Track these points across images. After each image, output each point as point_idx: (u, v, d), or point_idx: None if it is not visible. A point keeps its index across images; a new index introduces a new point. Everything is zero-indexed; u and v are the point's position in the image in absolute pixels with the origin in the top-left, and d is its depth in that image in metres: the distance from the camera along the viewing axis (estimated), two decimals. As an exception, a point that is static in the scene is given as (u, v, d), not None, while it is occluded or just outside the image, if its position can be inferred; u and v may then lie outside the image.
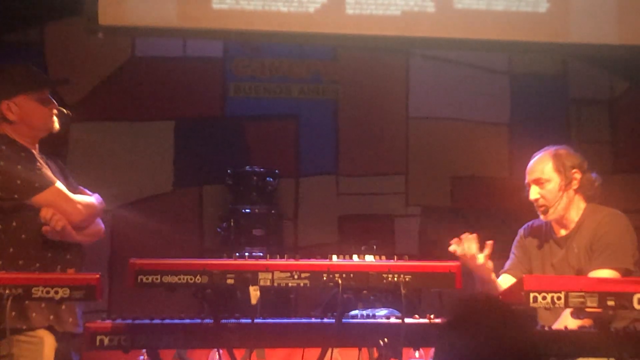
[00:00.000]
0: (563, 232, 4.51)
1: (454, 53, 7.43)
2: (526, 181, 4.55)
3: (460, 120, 7.65)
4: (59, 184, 4.19)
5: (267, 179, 6.98)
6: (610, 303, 3.40)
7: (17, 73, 4.32)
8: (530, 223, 4.68)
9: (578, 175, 4.46)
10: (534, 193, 4.48)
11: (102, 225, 4.45)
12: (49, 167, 4.29)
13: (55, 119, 4.34)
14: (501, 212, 6.93)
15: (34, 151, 4.28)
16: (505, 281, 4.51)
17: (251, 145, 7.47)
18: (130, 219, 6.85)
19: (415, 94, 7.66)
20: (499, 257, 4.80)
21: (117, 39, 6.91)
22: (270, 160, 7.23)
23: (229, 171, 7.01)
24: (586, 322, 3.78)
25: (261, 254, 5.72)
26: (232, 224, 6.81)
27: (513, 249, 4.67)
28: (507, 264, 4.64)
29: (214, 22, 5.85)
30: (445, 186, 7.67)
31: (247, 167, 7.02)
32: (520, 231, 4.69)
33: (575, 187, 4.46)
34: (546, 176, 4.46)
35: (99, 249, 5.63)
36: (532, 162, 4.56)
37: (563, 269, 4.40)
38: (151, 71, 7.32)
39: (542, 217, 4.51)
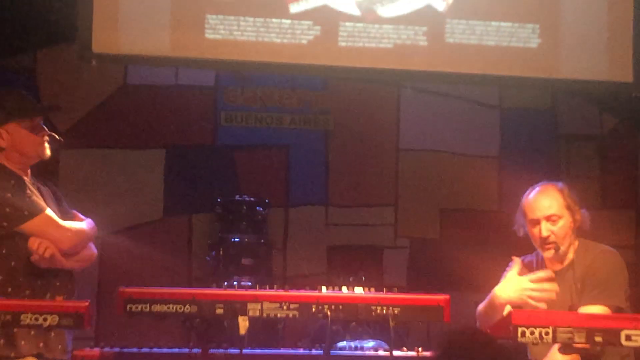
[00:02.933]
0: (556, 268, 4.49)
1: (445, 86, 7.46)
2: (531, 218, 4.49)
3: (450, 153, 7.67)
4: (49, 211, 4.18)
5: (257, 208, 6.98)
6: (598, 339, 3.41)
7: (8, 100, 4.32)
8: (520, 258, 4.66)
9: (580, 215, 4.47)
10: (545, 230, 4.43)
11: (95, 250, 4.45)
12: (41, 192, 4.29)
13: (46, 145, 4.34)
14: (490, 246, 6.93)
15: (25, 177, 4.28)
16: None
17: (241, 174, 7.47)
18: (119, 247, 6.84)
19: (405, 126, 7.68)
20: (488, 291, 4.81)
21: (109, 67, 6.91)
22: (260, 190, 7.23)
23: (218, 200, 7.01)
24: (574, 357, 3.79)
25: (250, 284, 5.73)
26: (221, 252, 6.80)
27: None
28: None
29: (206, 52, 5.86)
30: (434, 218, 7.68)
31: (237, 196, 7.02)
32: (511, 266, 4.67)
33: (578, 224, 4.47)
34: (559, 213, 4.43)
35: (87, 276, 5.62)
36: (537, 197, 4.52)
37: (554, 305, 4.39)
38: (143, 99, 7.33)
39: (546, 253, 4.46)
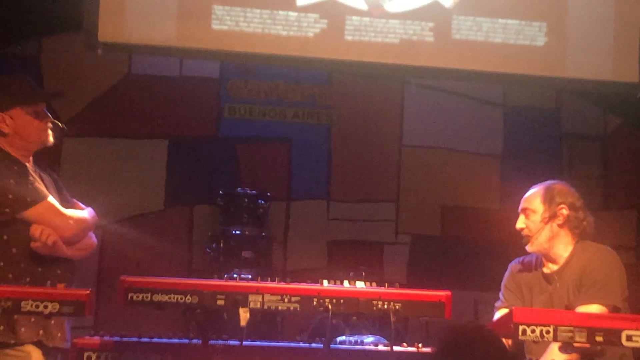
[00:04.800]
0: (552, 268, 4.51)
1: (449, 83, 7.45)
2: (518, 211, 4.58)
3: (453, 150, 7.66)
4: (51, 199, 4.18)
5: (258, 201, 6.98)
6: (599, 339, 3.40)
7: (13, 85, 4.31)
8: (520, 259, 4.67)
9: (564, 212, 4.46)
10: (519, 222, 4.51)
11: (95, 239, 4.44)
12: (43, 180, 4.28)
13: (49, 132, 4.33)
14: (491, 244, 6.93)
15: (27, 164, 4.27)
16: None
17: (243, 167, 7.47)
18: (120, 236, 6.84)
19: (409, 122, 7.68)
20: (488, 289, 4.81)
21: (114, 56, 6.91)
22: (262, 183, 7.23)
23: (220, 192, 7.01)
24: (574, 357, 3.78)
25: (250, 277, 5.72)
26: (221, 245, 6.81)
27: (505, 284, 4.65)
28: (502, 299, 4.62)
29: (212, 43, 5.85)
30: (435, 215, 7.68)
31: (239, 188, 7.02)
32: (511, 266, 4.68)
33: (559, 222, 4.46)
34: (532, 207, 4.49)
35: (87, 265, 5.61)
36: (526, 194, 4.59)
37: (551, 305, 4.39)
38: (147, 89, 7.33)
39: (526, 248, 4.52)
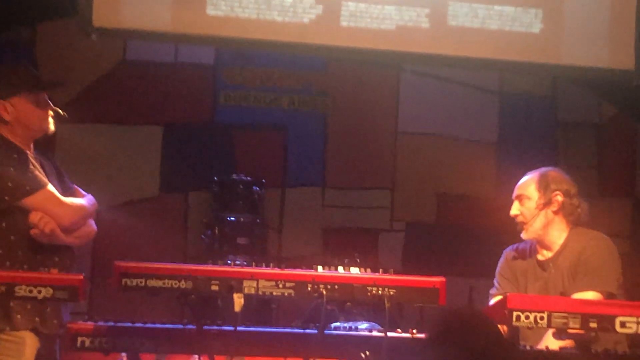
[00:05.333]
0: (547, 255, 4.51)
1: (445, 70, 7.45)
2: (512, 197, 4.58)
3: (449, 137, 7.66)
4: (50, 187, 4.17)
5: (254, 188, 6.98)
6: (593, 325, 3.42)
7: (14, 73, 4.31)
8: (515, 246, 4.68)
9: (559, 198, 4.46)
10: (514, 209, 4.51)
11: (94, 227, 4.44)
12: (44, 167, 4.28)
13: (51, 120, 4.33)
14: (486, 231, 6.93)
15: (28, 152, 4.26)
16: None
17: (239, 153, 7.46)
18: (114, 222, 6.82)
19: (405, 109, 7.67)
20: (483, 276, 4.81)
21: (108, 42, 6.90)
22: (257, 170, 7.23)
23: (215, 179, 7.01)
24: (568, 343, 3.78)
25: (245, 263, 5.72)
26: (216, 231, 6.81)
27: (500, 271, 4.65)
28: (497, 286, 4.62)
29: (207, 29, 5.84)
30: (431, 203, 7.68)
31: (234, 175, 7.02)
32: (505, 253, 4.69)
33: (554, 208, 4.46)
34: (527, 193, 4.49)
35: (81, 251, 5.60)
36: (521, 180, 4.59)
37: (546, 292, 4.40)
38: (142, 75, 7.31)
39: (521, 235, 4.52)
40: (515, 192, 4.54)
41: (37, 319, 4.05)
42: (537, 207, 4.46)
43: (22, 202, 4.09)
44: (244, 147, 7.48)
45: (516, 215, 4.51)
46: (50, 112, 4.33)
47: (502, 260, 4.68)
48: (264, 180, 7.07)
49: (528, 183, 4.52)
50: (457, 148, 7.64)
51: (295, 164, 7.56)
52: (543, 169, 4.58)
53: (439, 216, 7.67)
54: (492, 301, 4.50)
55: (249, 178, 6.99)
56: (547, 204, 4.46)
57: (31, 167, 4.18)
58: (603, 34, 6.15)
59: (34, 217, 4.08)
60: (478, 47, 6.06)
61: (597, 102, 7.88)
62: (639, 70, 6.15)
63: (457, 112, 7.65)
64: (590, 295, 4.21)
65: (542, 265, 4.51)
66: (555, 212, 4.48)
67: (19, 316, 3.99)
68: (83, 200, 4.38)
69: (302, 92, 7.57)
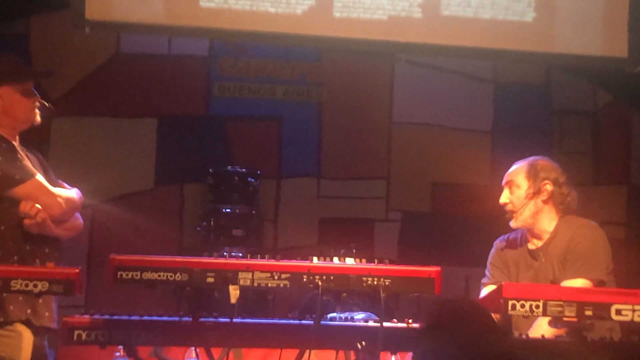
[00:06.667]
0: (537, 244, 4.52)
1: (439, 60, 7.45)
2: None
3: (443, 126, 7.67)
4: (40, 177, 4.17)
5: (249, 179, 6.99)
6: (588, 313, 3.42)
7: (1, 63, 4.30)
8: (505, 236, 4.68)
9: (549, 187, 4.47)
10: (503, 197, 4.52)
11: (81, 220, 4.43)
12: (29, 159, 4.27)
13: (37, 111, 4.31)
14: (481, 220, 6.94)
15: (14, 143, 4.25)
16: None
17: (234, 145, 7.46)
18: (110, 215, 6.84)
19: (399, 100, 7.68)
20: (478, 265, 4.82)
21: (102, 35, 6.89)
22: (252, 161, 7.24)
23: (210, 170, 7.01)
24: (562, 331, 3.80)
25: (240, 254, 5.73)
26: (212, 223, 6.82)
27: (491, 261, 4.66)
28: (488, 275, 4.63)
29: (201, 21, 5.83)
30: (426, 192, 7.69)
31: (229, 167, 7.02)
32: (496, 244, 4.69)
33: (543, 197, 4.47)
34: (517, 181, 4.49)
35: (77, 244, 5.61)
36: (510, 168, 4.60)
37: (537, 281, 4.41)
38: (136, 68, 7.31)
39: (510, 223, 4.52)
40: (505, 179, 4.55)
41: (29, 310, 4.05)
42: (527, 196, 4.47)
43: (12, 192, 4.08)
44: (239, 139, 7.48)
45: (505, 204, 4.51)
46: (37, 104, 4.32)
47: (493, 250, 4.68)
48: (259, 172, 7.08)
49: (517, 171, 4.53)
50: (452, 138, 7.65)
51: (290, 155, 7.57)
52: (532, 158, 4.58)
53: (434, 206, 7.69)
54: (484, 290, 4.52)
55: (244, 169, 7.00)
56: (537, 193, 4.47)
57: (19, 156, 4.17)
58: (596, 22, 6.14)
59: (25, 207, 4.07)
60: (471, 37, 6.06)
61: (591, 90, 7.88)
62: (632, 58, 6.15)
63: (452, 101, 7.66)
64: (579, 282, 4.23)
65: (532, 254, 4.52)
66: (545, 201, 4.48)
67: (11, 307, 3.98)
68: (72, 192, 4.37)
69: (297, 83, 7.57)
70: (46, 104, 4.37)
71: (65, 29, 6.42)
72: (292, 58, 7.53)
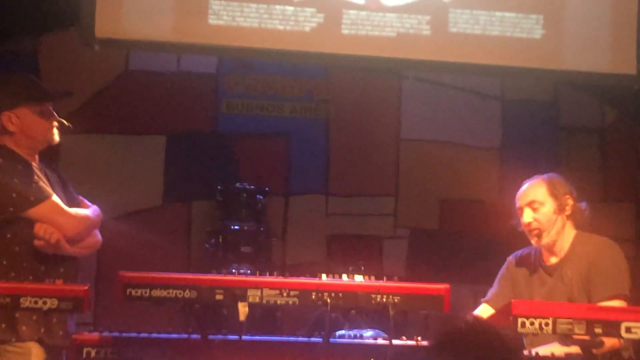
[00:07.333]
0: (553, 260, 4.50)
1: (447, 76, 7.45)
2: (518, 206, 4.52)
3: (451, 143, 7.66)
4: (55, 198, 4.18)
5: (257, 196, 6.98)
6: (598, 331, 3.41)
7: (19, 84, 4.33)
8: (518, 253, 4.66)
9: (571, 202, 4.47)
10: (527, 216, 4.46)
11: (99, 237, 4.46)
12: (48, 178, 4.29)
13: (55, 131, 4.35)
14: (490, 236, 6.92)
15: (33, 163, 4.27)
16: (484, 311, 4.52)
17: (242, 162, 7.46)
18: (118, 232, 6.83)
19: (407, 116, 7.67)
20: (487, 282, 4.80)
21: (111, 52, 6.91)
22: (261, 178, 7.23)
23: (219, 187, 7.01)
24: (573, 349, 3.78)
25: (249, 272, 5.72)
26: (220, 240, 6.80)
27: (499, 279, 4.64)
28: (490, 293, 4.62)
29: (209, 38, 5.86)
30: (434, 209, 7.68)
31: (237, 184, 7.02)
32: (509, 260, 4.67)
33: (567, 212, 4.46)
34: (541, 199, 4.46)
35: (86, 261, 5.60)
36: (524, 187, 4.55)
37: (552, 297, 4.39)
38: (144, 85, 7.31)
39: (534, 241, 4.48)
40: (525, 200, 4.50)
41: (42, 329, 4.06)
42: (554, 212, 4.44)
43: (27, 213, 4.10)
44: (247, 156, 7.48)
45: (530, 223, 4.47)
46: (55, 123, 4.35)
47: (504, 267, 4.66)
48: (267, 189, 7.07)
49: (537, 190, 4.49)
50: (460, 154, 7.64)
51: (298, 172, 7.56)
52: (545, 175, 4.56)
53: (442, 222, 7.67)
54: (478, 309, 4.51)
55: (252, 186, 6.99)
56: (562, 209, 4.45)
57: (36, 177, 4.19)
58: (604, 39, 6.15)
59: (39, 229, 4.10)
60: (479, 53, 6.07)
61: (600, 106, 7.87)
62: (641, 74, 6.16)
63: (460, 118, 7.65)
64: (616, 303, 4.19)
65: (548, 270, 4.50)
66: (568, 216, 4.48)
67: (24, 327, 4.00)
68: (88, 211, 4.39)
69: (304, 99, 7.57)
70: (65, 122, 4.40)
71: (74, 46, 6.45)
72: (300, 75, 7.53)
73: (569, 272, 4.41)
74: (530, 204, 4.47)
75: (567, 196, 4.47)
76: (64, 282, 3.55)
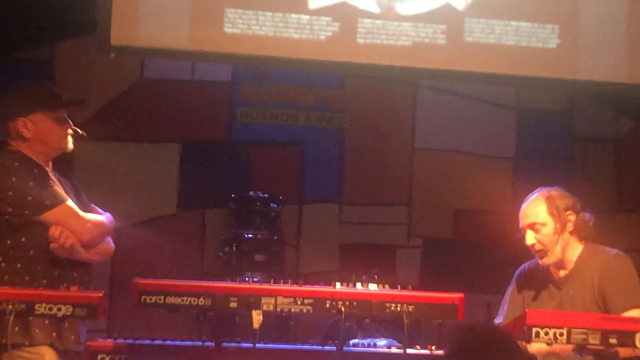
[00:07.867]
0: (562, 274, 4.47)
1: (462, 86, 7.45)
2: (520, 226, 4.49)
3: (466, 153, 7.66)
4: (70, 202, 4.20)
5: (271, 204, 6.99)
6: (612, 341, 3.40)
7: (35, 91, 4.36)
8: (525, 265, 4.63)
9: (572, 217, 4.42)
10: (529, 238, 4.43)
11: (112, 244, 4.47)
12: (62, 185, 4.30)
13: (69, 138, 4.37)
14: (503, 247, 6.87)
15: (47, 169, 4.29)
16: None
17: (256, 170, 7.48)
18: (132, 239, 6.84)
19: (421, 126, 7.67)
20: (500, 292, 4.79)
21: (126, 60, 6.94)
22: (274, 186, 7.24)
23: (232, 196, 7.02)
24: (587, 359, 3.77)
25: (262, 280, 5.72)
26: (234, 248, 6.81)
27: (509, 296, 4.62)
28: (502, 312, 4.60)
29: (225, 46, 5.85)
30: (448, 218, 7.67)
31: (251, 192, 7.03)
32: (516, 276, 4.63)
33: (570, 229, 4.42)
34: (541, 220, 4.41)
35: (101, 268, 5.62)
36: (524, 206, 4.51)
37: (562, 310, 4.37)
38: (159, 93, 7.34)
39: (540, 261, 4.47)
40: (526, 221, 4.46)
41: (54, 334, 4.07)
42: (555, 232, 4.41)
43: (42, 217, 4.12)
44: (261, 164, 7.49)
45: (533, 244, 4.43)
46: (69, 130, 4.37)
47: (512, 285, 4.63)
48: (281, 197, 7.08)
49: (536, 210, 4.44)
50: (474, 164, 7.63)
51: (312, 181, 7.57)
52: (544, 191, 4.50)
53: (456, 232, 7.66)
54: None
55: (266, 195, 7.01)
56: (563, 226, 4.42)
57: (51, 182, 4.21)
58: (620, 49, 6.13)
59: (54, 232, 4.11)
60: (495, 63, 6.04)
61: (615, 116, 7.86)
62: (656, 85, 6.14)
63: (474, 128, 7.65)
64: (636, 313, 4.17)
65: (557, 284, 4.47)
66: (571, 232, 4.45)
67: (37, 330, 4.01)
68: (102, 217, 4.41)
69: (319, 108, 7.58)
70: (79, 130, 4.42)
71: (90, 54, 6.46)
72: (315, 84, 7.54)
73: (578, 285, 4.38)
74: (531, 226, 4.43)
75: (569, 212, 4.42)
76: (77, 287, 3.56)
